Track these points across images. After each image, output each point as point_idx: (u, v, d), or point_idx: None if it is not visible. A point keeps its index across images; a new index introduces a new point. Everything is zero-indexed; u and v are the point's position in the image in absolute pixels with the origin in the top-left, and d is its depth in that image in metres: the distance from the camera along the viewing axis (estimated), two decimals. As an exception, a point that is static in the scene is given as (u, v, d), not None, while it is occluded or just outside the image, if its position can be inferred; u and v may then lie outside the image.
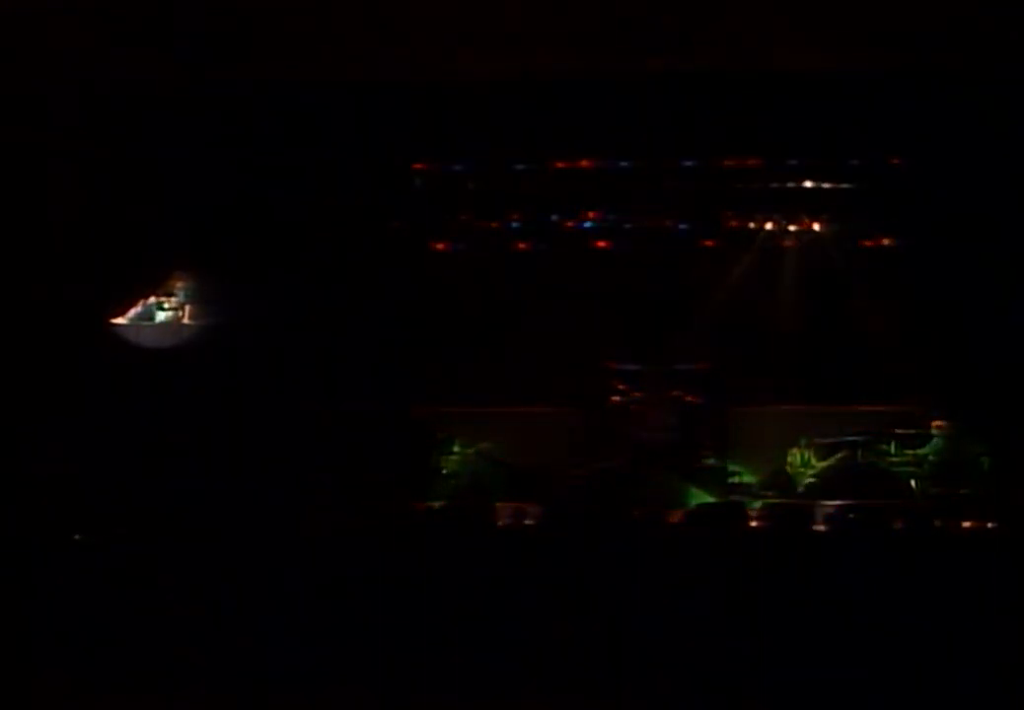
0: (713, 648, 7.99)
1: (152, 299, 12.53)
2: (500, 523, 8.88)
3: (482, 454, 12.72)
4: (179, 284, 12.63)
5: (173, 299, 12.59)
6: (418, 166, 13.02)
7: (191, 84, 10.86)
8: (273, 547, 7.26)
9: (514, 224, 13.65)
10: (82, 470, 10.12)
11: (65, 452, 10.44)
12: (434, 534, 8.14)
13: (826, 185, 12.88)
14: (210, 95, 11.20)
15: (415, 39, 10.34)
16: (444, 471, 12.63)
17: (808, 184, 12.90)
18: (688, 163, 12.84)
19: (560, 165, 12.92)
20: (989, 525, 9.75)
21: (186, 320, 12.61)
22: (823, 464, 12.50)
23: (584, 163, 12.81)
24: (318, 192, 12.43)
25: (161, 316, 12.54)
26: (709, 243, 13.62)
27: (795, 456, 12.69)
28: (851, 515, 9.85)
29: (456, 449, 12.82)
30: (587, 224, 13.64)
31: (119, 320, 12.33)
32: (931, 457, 12.14)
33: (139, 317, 12.50)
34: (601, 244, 13.68)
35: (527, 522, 9.13)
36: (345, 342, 12.80)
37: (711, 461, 12.77)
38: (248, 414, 11.70)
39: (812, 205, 13.25)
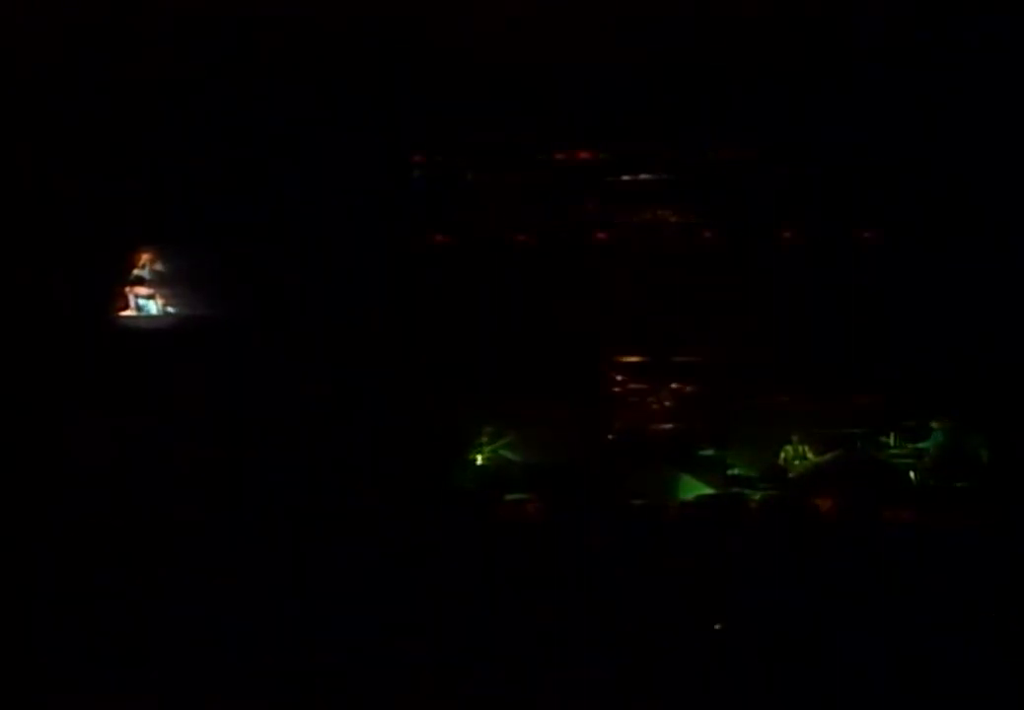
0: (713, 637, 8.00)
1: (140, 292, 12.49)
2: (505, 516, 8.89)
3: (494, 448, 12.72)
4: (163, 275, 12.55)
5: (163, 290, 12.54)
6: (415, 158, 13.00)
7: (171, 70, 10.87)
8: (283, 542, 7.29)
9: (513, 216, 13.61)
10: (88, 467, 10.10)
11: (71, 450, 10.41)
12: (439, 526, 8.14)
13: (825, 178, 12.86)
14: (199, 83, 11.20)
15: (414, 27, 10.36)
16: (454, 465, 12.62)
17: (808, 177, 12.87)
18: (685, 156, 12.86)
19: (558, 156, 12.91)
20: (989, 519, 9.77)
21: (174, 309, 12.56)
22: (823, 457, 12.51)
23: (582, 154, 12.80)
24: (312, 184, 12.41)
25: (151, 308, 12.50)
26: (707, 235, 13.61)
27: (794, 448, 12.69)
28: (850, 508, 9.86)
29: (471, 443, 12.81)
30: (586, 216, 13.60)
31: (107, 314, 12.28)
32: (931, 450, 12.16)
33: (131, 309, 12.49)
34: (600, 236, 13.66)
35: (530, 515, 9.14)
36: (348, 333, 12.79)
37: (711, 453, 12.76)
38: (260, 404, 11.68)
39: (811, 198, 13.23)
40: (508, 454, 12.60)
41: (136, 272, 12.33)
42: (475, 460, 12.53)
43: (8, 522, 7.88)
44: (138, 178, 11.73)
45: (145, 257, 12.45)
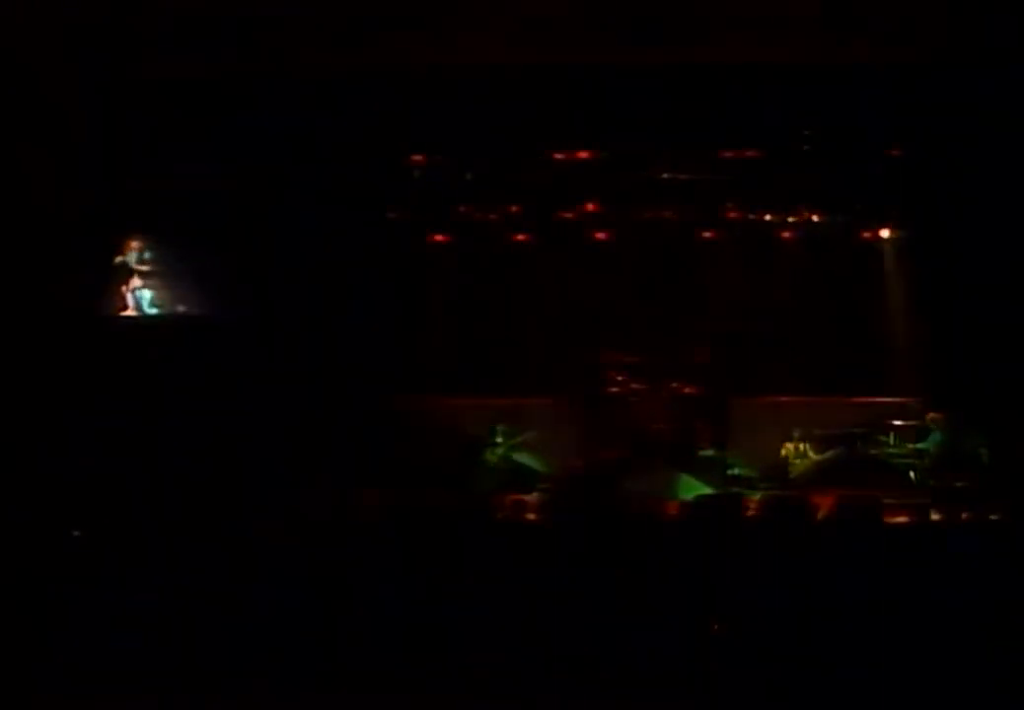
0: (713, 641, 7.99)
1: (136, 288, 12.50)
2: (500, 515, 8.88)
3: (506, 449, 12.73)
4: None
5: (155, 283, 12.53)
6: (414, 156, 13.00)
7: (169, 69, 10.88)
8: (284, 542, 7.30)
9: (512, 216, 13.62)
10: (83, 466, 10.09)
11: (66, 449, 10.40)
12: (431, 527, 8.13)
13: (825, 177, 12.87)
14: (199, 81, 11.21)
15: (415, 25, 10.38)
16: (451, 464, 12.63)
17: (807, 176, 12.88)
18: (687, 155, 12.87)
19: (558, 156, 12.92)
20: (988, 517, 9.76)
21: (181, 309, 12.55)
22: (822, 456, 12.53)
23: (583, 154, 12.81)
24: (311, 183, 12.42)
25: (145, 300, 12.51)
26: (708, 234, 13.63)
27: (794, 448, 12.71)
28: (849, 507, 9.84)
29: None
30: (586, 215, 13.62)
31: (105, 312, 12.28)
32: (930, 449, 12.16)
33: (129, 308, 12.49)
34: (600, 235, 13.69)
35: (527, 515, 9.12)
36: (337, 330, 12.80)
37: (710, 452, 12.77)
38: (269, 403, 11.70)
39: (811, 197, 13.26)
40: (518, 455, 12.61)
41: (130, 265, 12.33)
42: (486, 462, 12.55)
43: (5, 522, 7.88)
44: (137, 177, 11.75)
45: (136, 246, 12.41)
